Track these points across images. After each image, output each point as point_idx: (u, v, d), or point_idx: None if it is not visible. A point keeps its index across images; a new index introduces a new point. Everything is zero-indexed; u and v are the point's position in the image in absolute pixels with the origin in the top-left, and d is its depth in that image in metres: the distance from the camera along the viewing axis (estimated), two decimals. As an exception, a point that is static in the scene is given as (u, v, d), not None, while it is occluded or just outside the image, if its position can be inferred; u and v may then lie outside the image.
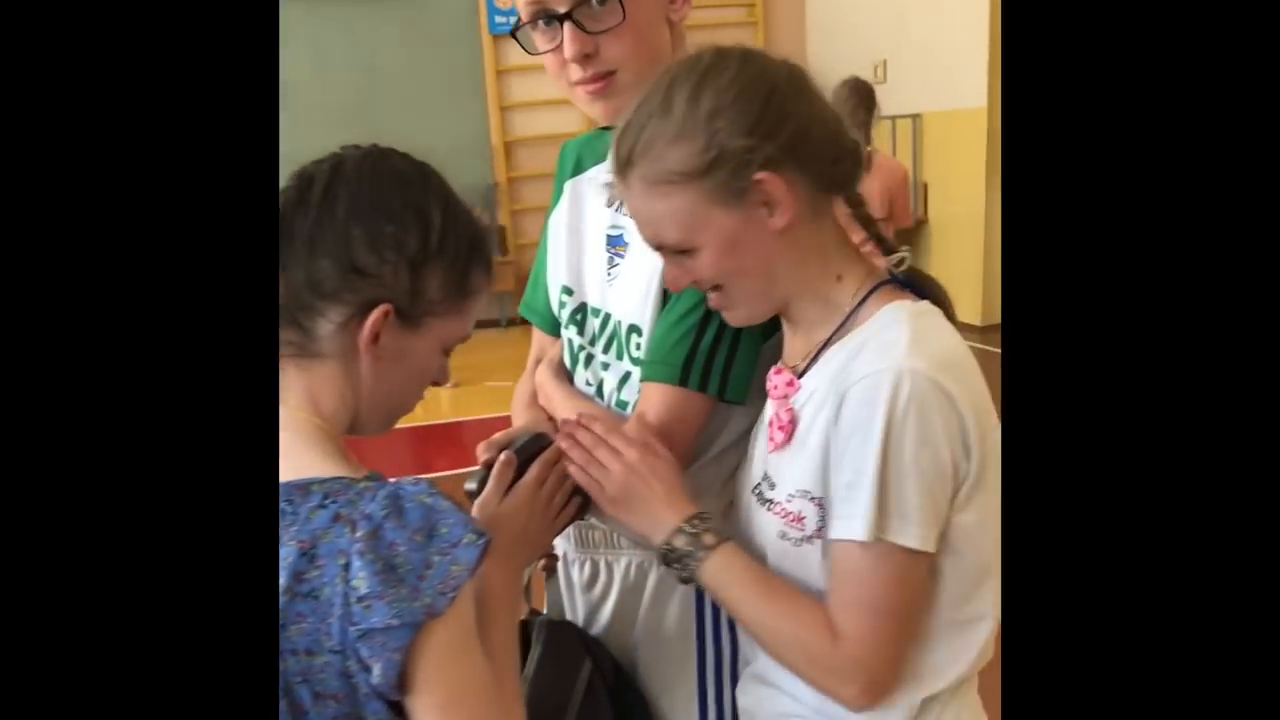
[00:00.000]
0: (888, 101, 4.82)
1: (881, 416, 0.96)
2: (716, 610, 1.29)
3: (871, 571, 0.99)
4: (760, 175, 1.02)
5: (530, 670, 1.24)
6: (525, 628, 1.28)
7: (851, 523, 0.98)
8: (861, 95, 4.27)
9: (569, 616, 1.40)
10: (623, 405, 1.28)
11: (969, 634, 1.06)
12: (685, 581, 1.10)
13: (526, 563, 1.18)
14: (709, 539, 1.08)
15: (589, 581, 1.36)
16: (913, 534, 0.98)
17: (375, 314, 0.97)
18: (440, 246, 1.00)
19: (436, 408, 6.32)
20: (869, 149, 4.24)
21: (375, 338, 0.98)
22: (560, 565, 1.41)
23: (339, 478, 0.93)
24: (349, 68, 8.54)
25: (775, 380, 1.11)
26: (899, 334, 1.01)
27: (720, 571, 1.07)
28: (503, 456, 1.16)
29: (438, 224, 1.00)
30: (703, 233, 1.04)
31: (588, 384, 1.34)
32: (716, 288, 1.09)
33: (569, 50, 1.18)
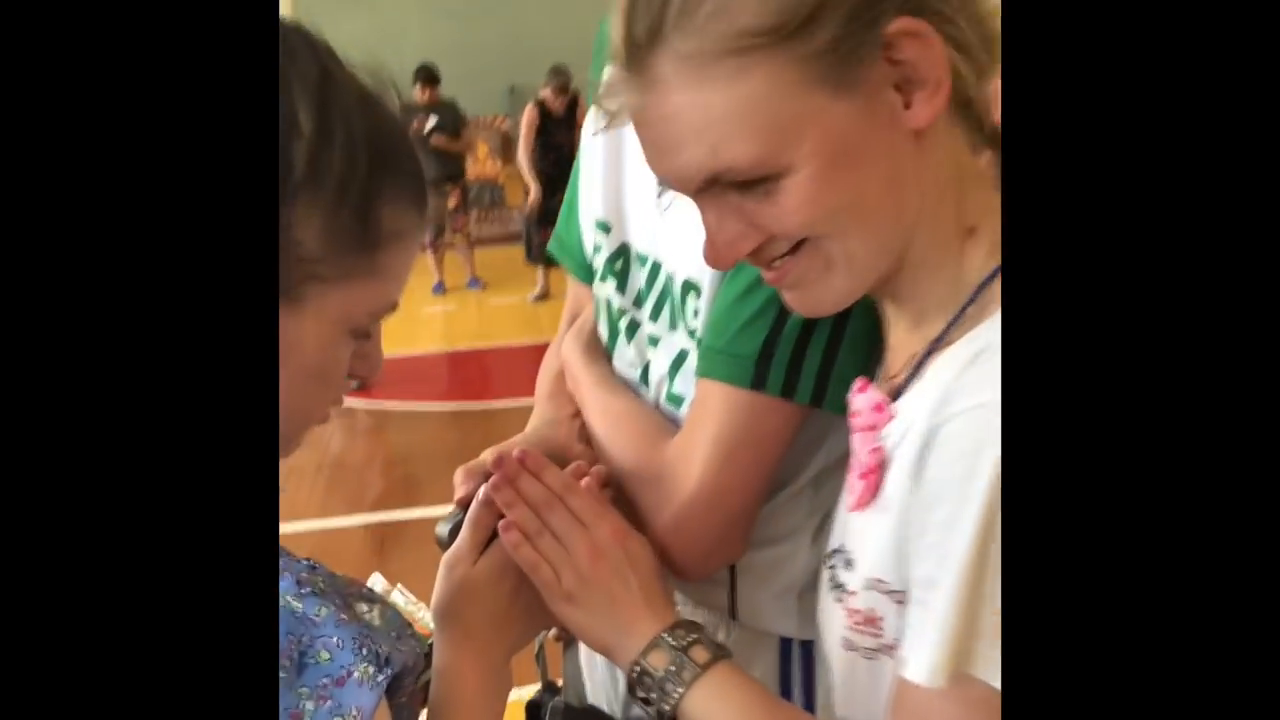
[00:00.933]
0: None
1: (985, 480, 0.59)
2: (810, 693, 0.90)
3: None
4: (900, 23, 0.63)
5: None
6: (535, 711, 0.92)
7: (918, 652, 0.63)
8: None
9: (596, 697, 1.01)
10: (676, 401, 0.88)
11: None
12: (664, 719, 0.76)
13: (516, 646, 0.82)
14: (700, 655, 0.76)
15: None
16: None
17: None
18: (313, 167, 0.60)
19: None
20: None
21: None
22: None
23: None
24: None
25: (858, 402, 0.72)
26: None
27: (713, 703, 0.75)
28: (481, 493, 0.79)
29: (308, 130, 0.60)
30: (801, 137, 0.64)
31: (630, 365, 0.94)
32: (797, 247, 0.67)
33: None
